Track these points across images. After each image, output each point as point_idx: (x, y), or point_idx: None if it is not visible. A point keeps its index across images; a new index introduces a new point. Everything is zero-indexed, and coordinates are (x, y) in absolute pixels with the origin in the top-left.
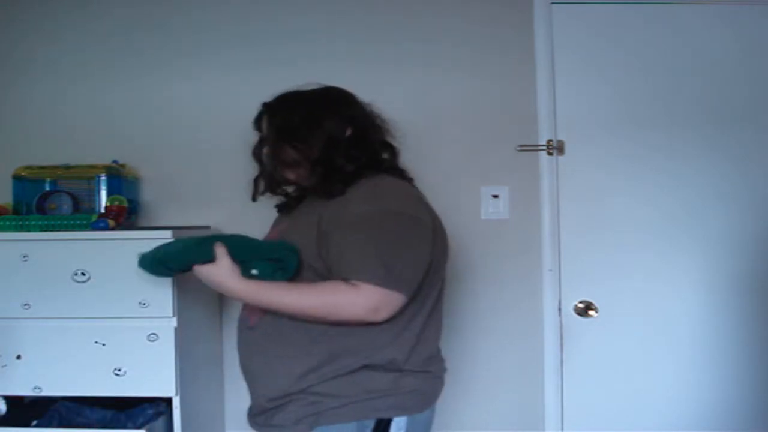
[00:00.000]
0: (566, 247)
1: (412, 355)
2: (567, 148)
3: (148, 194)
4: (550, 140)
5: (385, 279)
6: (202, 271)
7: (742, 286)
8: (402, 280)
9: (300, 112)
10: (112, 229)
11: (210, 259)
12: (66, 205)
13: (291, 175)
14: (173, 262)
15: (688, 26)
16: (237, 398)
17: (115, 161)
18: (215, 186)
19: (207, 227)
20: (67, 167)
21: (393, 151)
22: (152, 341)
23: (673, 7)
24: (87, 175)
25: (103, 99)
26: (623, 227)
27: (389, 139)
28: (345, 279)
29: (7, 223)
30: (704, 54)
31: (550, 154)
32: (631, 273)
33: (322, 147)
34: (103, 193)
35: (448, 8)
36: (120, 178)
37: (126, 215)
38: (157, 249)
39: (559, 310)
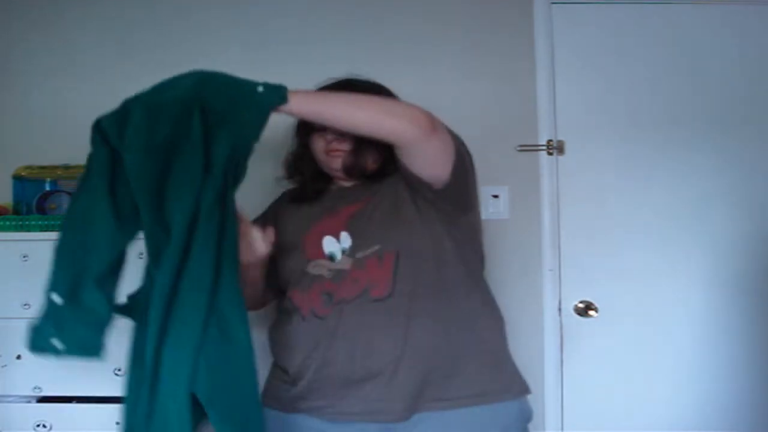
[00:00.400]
0: (566, 247)
1: None
2: (567, 148)
3: None
4: (550, 140)
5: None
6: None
7: (743, 285)
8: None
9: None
10: None
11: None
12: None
13: (372, 163)
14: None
15: (689, 26)
16: None
17: None
18: None
19: None
20: (67, 167)
21: None
22: None
23: (673, 7)
24: None
25: (103, 99)
26: (623, 227)
27: None
28: None
29: (7, 223)
30: (704, 54)
31: (550, 154)
32: (632, 273)
33: None
34: None
35: (448, 9)
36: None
37: None
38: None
39: (559, 310)
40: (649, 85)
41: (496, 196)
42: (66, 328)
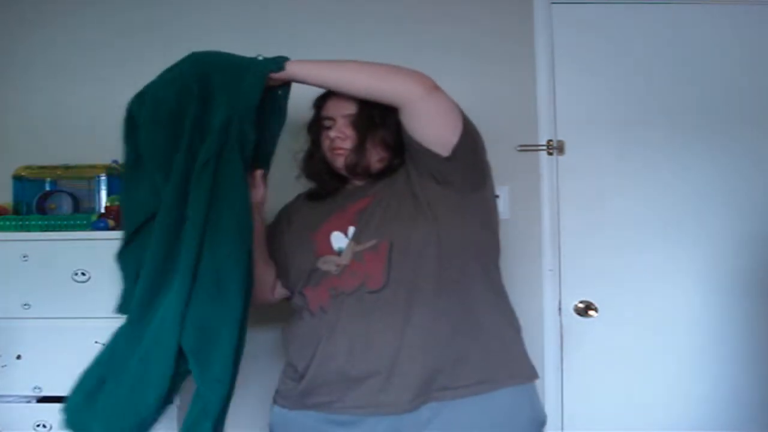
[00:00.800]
0: (566, 247)
1: None
2: (567, 148)
3: None
4: (550, 140)
5: None
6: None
7: (743, 285)
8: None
9: None
10: (112, 229)
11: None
12: (66, 205)
13: (377, 162)
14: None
15: (689, 26)
16: (237, 398)
17: (115, 161)
18: None
19: None
20: (67, 167)
21: None
22: None
23: (674, 7)
24: (87, 175)
25: (103, 99)
26: (623, 227)
27: None
28: None
29: (7, 223)
30: (704, 54)
31: (550, 154)
32: (632, 273)
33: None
34: (103, 193)
35: (448, 9)
36: (120, 178)
37: None
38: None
39: (559, 310)
40: (649, 85)
41: (496, 196)
42: None
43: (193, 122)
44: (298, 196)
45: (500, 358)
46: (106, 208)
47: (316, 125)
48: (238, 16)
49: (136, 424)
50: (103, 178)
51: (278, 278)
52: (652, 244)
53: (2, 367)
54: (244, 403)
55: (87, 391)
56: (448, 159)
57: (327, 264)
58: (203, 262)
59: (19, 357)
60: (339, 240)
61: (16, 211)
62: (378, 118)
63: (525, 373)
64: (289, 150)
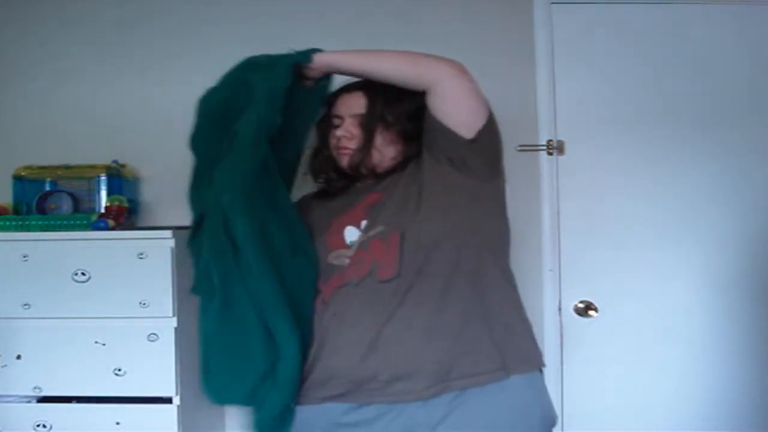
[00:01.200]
0: (566, 246)
1: None
2: (567, 148)
3: (148, 194)
4: (550, 140)
5: None
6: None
7: (743, 285)
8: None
9: (417, 100)
10: (112, 229)
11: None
12: (66, 205)
13: (390, 161)
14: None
15: (689, 26)
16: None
17: (115, 161)
18: None
19: None
20: (67, 167)
21: None
22: (152, 341)
23: (674, 7)
24: (87, 175)
25: (103, 99)
26: (623, 227)
27: None
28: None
29: (7, 223)
30: (705, 53)
31: (550, 154)
32: (632, 273)
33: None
34: (103, 193)
35: (448, 8)
36: (120, 178)
37: (126, 215)
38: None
39: (559, 310)
40: (650, 84)
41: None
42: None
43: (235, 119)
44: (303, 198)
45: (512, 345)
46: (106, 208)
47: (325, 123)
48: (237, 13)
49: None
50: (103, 178)
51: None
52: (653, 243)
53: (2, 367)
54: None
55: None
56: (472, 142)
57: (339, 258)
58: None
59: (19, 357)
60: (352, 234)
61: (16, 211)
62: (390, 117)
63: (535, 360)
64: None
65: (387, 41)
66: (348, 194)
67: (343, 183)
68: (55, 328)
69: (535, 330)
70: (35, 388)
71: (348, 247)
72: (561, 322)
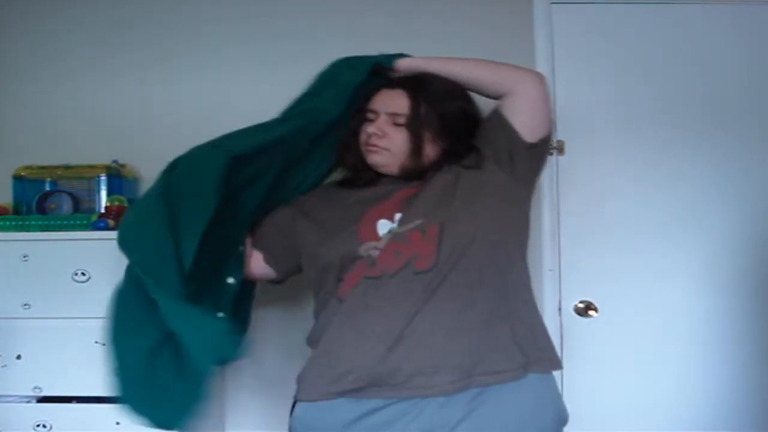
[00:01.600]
0: (566, 247)
1: None
2: (567, 148)
3: None
4: None
5: None
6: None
7: (744, 285)
8: None
9: (458, 101)
10: (112, 229)
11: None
12: (66, 205)
13: (428, 159)
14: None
15: (689, 26)
16: (237, 398)
17: (115, 161)
18: None
19: None
20: (67, 167)
21: None
22: None
23: (674, 7)
24: (87, 175)
25: (103, 98)
26: (623, 227)
27: None
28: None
29: (7, 223)
30: (705, 53)
31: (550, 154)
32: (632, 273)
33: (458, 129)
34: (103, 193)
35: (448, 8)
36: (120, 178)
37: None
38: None
39: (559, 310)
40: (649, 85)
41: None
42: None
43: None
44: (328, 185)
45: (533, 346)
46: (106, 208)
47: (360, 116)
48: (237, 11)
49: None
50: (103, 178)
51: (270, 263)
52: (652, 244)
53: (2, 367)
54: (245, 402)
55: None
56: (530, 146)
57: (370, 251)
58: None
59: (19, 357)
60: (385, 227)
61: (16, 211)
62: (432, 117)
63: (552, 362)
64: None
65: (387, 41)
66: (379, 185)
67: (370, 176)
68: (55, 328)
69: None
70: (35, 388)
71: (380, 239)
72: (561, 322)
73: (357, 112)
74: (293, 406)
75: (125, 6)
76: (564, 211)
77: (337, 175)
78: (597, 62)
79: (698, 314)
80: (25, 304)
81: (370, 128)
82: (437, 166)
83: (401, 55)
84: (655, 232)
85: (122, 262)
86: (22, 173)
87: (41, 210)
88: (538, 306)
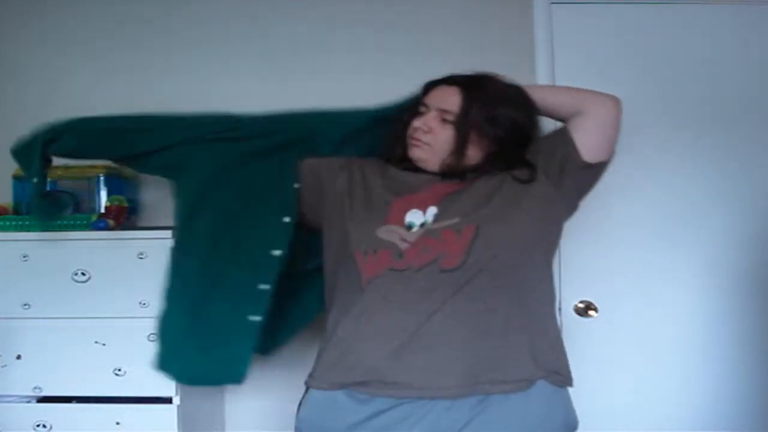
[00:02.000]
0: (566, 247)
1: None
2: None
3: (148, 194)
4: None
5: None
6: None
7: (744, 285)
8: None
9: (511, 109)
10: (112, 229)
11: None
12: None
13: (473, 161)
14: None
15: (689, 26)
16: (237, 398)
17: None
18: None
19: None
20: (67, 167)
21: None
22: (152, 341)
23: (674, 7)
24: (87, 175)
25: (103, 98)
26: (623, 227)
27: None
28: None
29: (7, 223)
30: (705, 53)
31: None
32: (631, 273)
33: (509, 137)
34: (103, 193)
35: (448, 8)
36: (120, 178)
37: (126, 215)
38: None
39: (559, 310)
40: (649, 85)
41: None
42: None
43: None
44: (379, 158)
45: (548, 357)
46: (106, 208)
47: (413, 108)
48: (237, 10)
49: None
50: (103, 178)
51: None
52: (653, 243)
53: (2, 367)
54: (245, 402)
55: None
56: (585, 165)
57: (390, 234)
58: None
59: (19, 357)
60: (414, 216)
61: (16, 211)
62: (485, 121)
63: (565, 377)
64: None
65: (388, 41)
66: (420, 174)
67: (409, 166)
68: (55, 328)
69: None
70: (35, 388)
71: (405, 226)
72: (561, 322)
73: (412, 105)
74: (305, 392)
75: (125, 5)
76: None
77: None
78: (597, 62)
79: (698, 314)
80: (25, 304)
81: (416, 122)
82: (479, 169)
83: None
84: (655, 232)
85: (122, 262)
86: (23, 173)
87: None
88: None
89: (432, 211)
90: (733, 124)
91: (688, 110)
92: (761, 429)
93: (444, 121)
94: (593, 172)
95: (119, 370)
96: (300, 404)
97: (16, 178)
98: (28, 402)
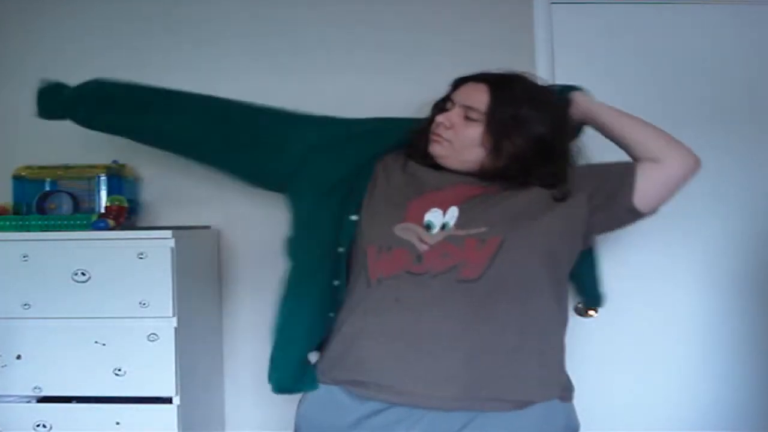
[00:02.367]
0: None
1: None
2: None
3: (148, 194)
4: None
5: None
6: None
7: (743, 285)
8: None
9: (550, 119)
10: (112, 229)
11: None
12: (66, 205)
13: (498, 163)
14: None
15: (689, 26)
16: (237, 398)
17: (115, 161)
18: (215, 186)
19: (207, 227)
20: (67, 167)
21: None
22: (152, 341)
23: (674, 7)
24: (87, 175)
25: None
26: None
27: None
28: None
29: (7, 223)
30: (704, 53)
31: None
32: (631, 273)
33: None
34: (103, 193)
35: (448, 8)
36: (120, 178)
37: (126, 215)
38: None
39: None
40: (649, 85)
41: None
42: None
43: None
44: (397, 154)
45: (554, 379)
46: (106, 208)
47: (440, 104)
48: (237, 9)
49: None
50: (103, 178)
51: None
52: (652, 243)
53: (2, 367)
54: (246, 402)
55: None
56: (630, 209)
57: (407, 232)
58: None
59: (19, 357)
60: (434, 216)
61: (16, 211)
62: (509, 124)
63: (569, 391)
64: None
65: (388, 41)
66: (444, 173)
67: (431, 163)
68: (55, 328)
69: None
70: (35, 388)
71: (423, 226)
72: None
73: (439, 101)
74: None
75: (123, 4)
76: None
77: None
78: (597, 62)
79: (698, 314)
80: (25, 304)
81: (439, 117)
82: (503, 174)
83: (579, 89)
84: (654, 231)
85: (122, 262)
86: (22, 173)
87: (41, 210)
88: None
89: (453, 212)
90: (734, 124)
91: (688, 110)
92: (761, 429)
93: (467, 119)
94: (632, 217)
95: (119, 370)
96: (300, 400)
97: (16, 178)
98: (28, 402)
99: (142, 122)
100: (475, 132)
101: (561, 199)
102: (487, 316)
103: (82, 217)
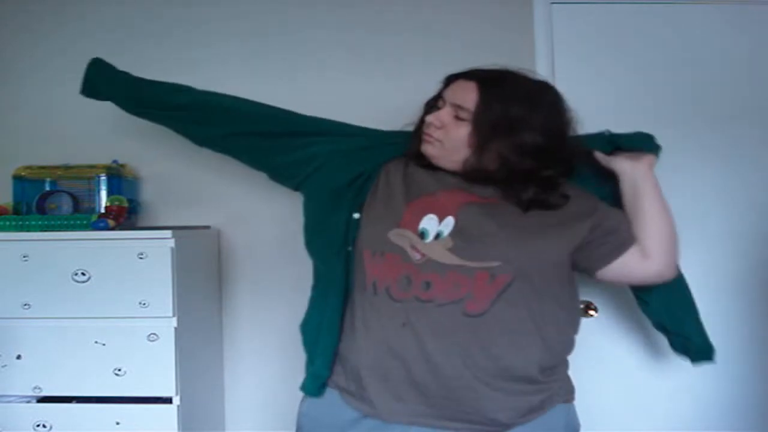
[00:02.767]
0: None
1: None
2: None
3: (148, 194)
4: None
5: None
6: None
7: (743, 285)
8: None
9: (544, 116)
10: (112, 229)
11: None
12: (66, 205)
13: (487, 166)
14: None
15: (688, 26)
16: (237, 398)
17: (115, 161)
18: (215, 186)
19: (207, 227)
20: (67, 167)
21: None
22: (152, 341)
23: (674, 7)
24: (87, 175)
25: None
26: None
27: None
28: None
29: (7, 223)
30: (704, 54)
31: None
32: None
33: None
34: (103, 193)
35: (448, 9)
36: (120, 178)
37: (126, 215)
38: None
39: None
40: (649, 85)
41: None
42: None
43: None
44: (398, 158)
45: (559, 395)
46: (106, 208)
47: (432, 102)
48: (237, 9)
49: None
50: (103, 178)
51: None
52: None
53: (2, 367)
54: (246, 402)
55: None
56: (588, 270)
57: (400, 238)
58: None
59: (19, 357)
60: (429, 223)
61: (16, 211)
62: (504, 129)
63: (569, 391)
64: None
65: (387, 41)
66: (439, 174)
67: (428, 164)
68: (55, 328)
69: None
70: (35, 388)
71: (418, 233)
72: None
73: (431, 100)
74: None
75: (125, 5)
76: None
77: None
78: (597, 62)
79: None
80: (25, 304)
81: (429, 117)
82: (498, 179)
83: (653, 145)
84: None
85: (122, 262)
86: (22, 173)
87: (41, 210)
88: None
89: (449, 222)
90: (733, 125)
91: (688, 110)
92: (761, 429)
93: (457, 118)
94: (580, 272)
95: (119, 370)
96: (302, 399)
97: (16, 178)
98: (28, 402)
99: (184, 120)
100: (464, 132)
101: (557, 206)
102: (484, 349)
103: (82, 217)
